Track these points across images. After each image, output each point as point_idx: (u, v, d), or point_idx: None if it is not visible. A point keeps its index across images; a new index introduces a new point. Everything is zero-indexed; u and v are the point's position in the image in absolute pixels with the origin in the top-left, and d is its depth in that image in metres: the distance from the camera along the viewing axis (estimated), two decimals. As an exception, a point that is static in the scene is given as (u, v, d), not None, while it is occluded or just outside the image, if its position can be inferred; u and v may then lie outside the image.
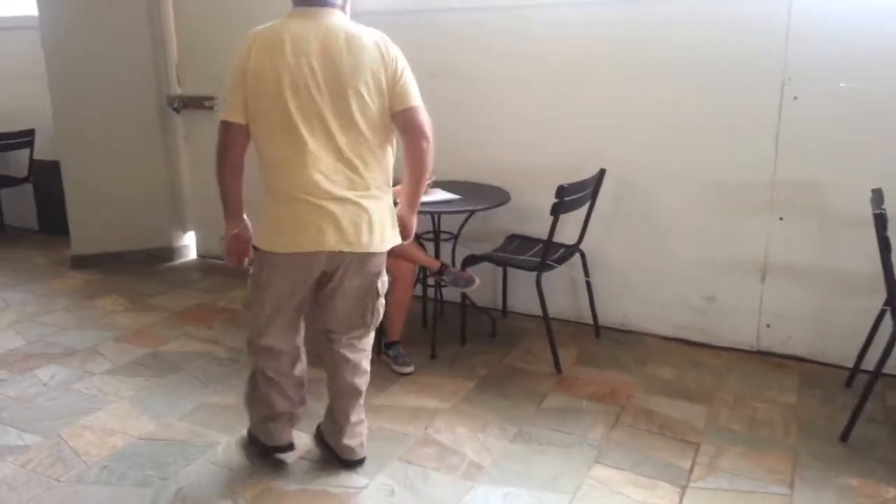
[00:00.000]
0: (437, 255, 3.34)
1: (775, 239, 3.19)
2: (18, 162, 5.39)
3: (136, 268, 4.59)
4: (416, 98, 2.17)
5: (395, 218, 2.28)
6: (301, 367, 2.41)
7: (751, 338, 3.34)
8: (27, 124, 5.22)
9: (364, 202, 2.14)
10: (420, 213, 3.16)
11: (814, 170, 3.06)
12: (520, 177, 3.61)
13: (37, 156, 5.27)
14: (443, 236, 3.43)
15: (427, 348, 3.33)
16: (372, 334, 2.42)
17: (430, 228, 3.41)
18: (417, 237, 3.50)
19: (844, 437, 2.60)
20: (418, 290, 3.48)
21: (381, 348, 3.27)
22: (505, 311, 3.81)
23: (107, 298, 4.03)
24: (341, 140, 2.09)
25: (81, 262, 4.61)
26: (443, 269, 3.15)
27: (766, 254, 3.22)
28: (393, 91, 2.14)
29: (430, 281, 3.49)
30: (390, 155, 2.25)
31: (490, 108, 3.67)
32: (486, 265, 3.38)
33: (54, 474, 2.38)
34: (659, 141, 3.33)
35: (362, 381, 2.40)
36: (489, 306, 3.84)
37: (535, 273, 3.13)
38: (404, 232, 2.33)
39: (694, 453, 2.53)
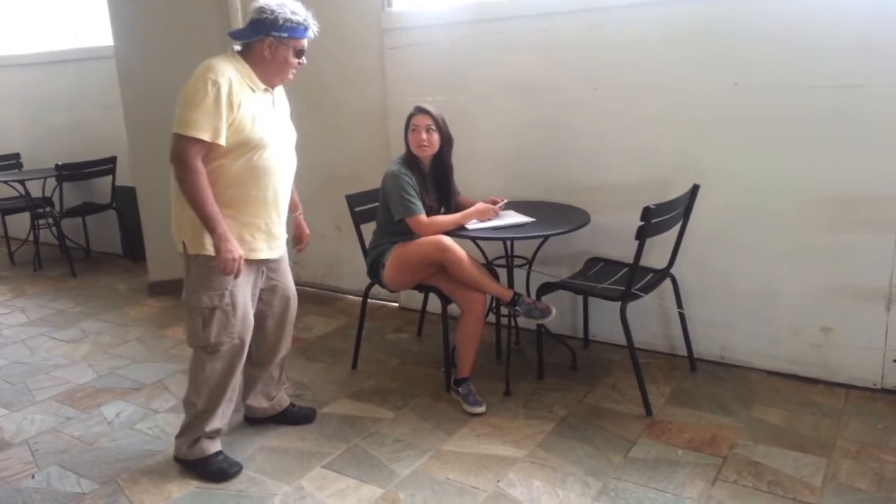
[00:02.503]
0: (510, 284, 3.08)
1: (903, 261, 2.75)
2: (102, 188, 5.52)
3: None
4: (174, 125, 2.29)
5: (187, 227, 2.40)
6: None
7: (874, 374, 2.90)
8: (109, 152, 5.33)
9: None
10: (491, 238, 2.97)
11: (951, 180, 2.62)
12: (600, 194, 3.30)
13: (119, 182, 5.37)
14: (516, 262, 3.17)
15: (500, 383, 3.08)
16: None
17: (503, 254, 3.15)
18: (489, 264, 3.26)
19: None
20: (491, 317, 3.23)
21: (449, 384, 3.05)
22: (586, 341, 3.50)
23: (178, 327, 3.99)
24: None
25: (158, 289, 4.63)
26: (516, 299, 2.89)
27: (892, 279, 2.78)
28: None
29: (504, 310, 3.24)
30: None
31: (565, 122, 3.37)
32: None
33: (108, 527, 2.28)
34: (762, 151, 2.94)
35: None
36: (568, 335, 3.55)
37: (618, 302, 2.82)
38: None
39: (812, 520, 2.17)
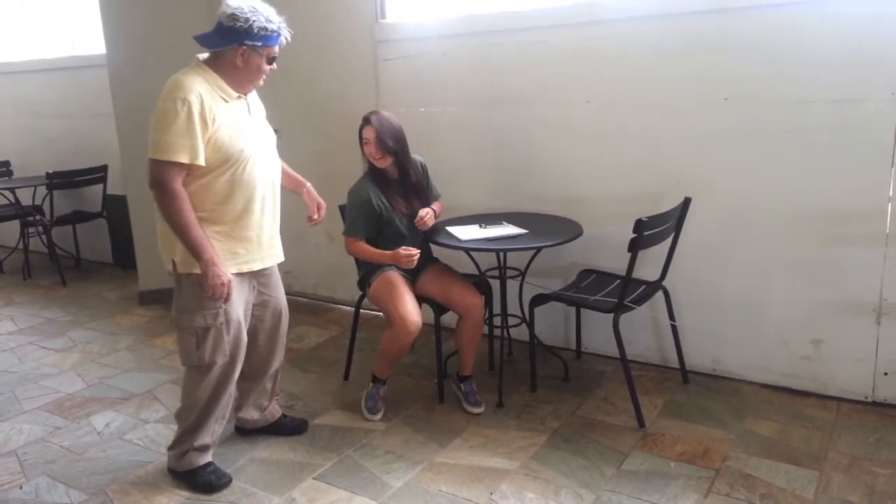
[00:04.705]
0: (503, 296, 3.09)
1: (892, 275, 2.77)
2: (93, 197, 5.49)
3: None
4: (150, 150, 2.23)
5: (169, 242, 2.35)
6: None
7: (865, 387, 2.92)
8: (101, 160, 5.31)
9: None
10: (484, 250, 2.97)
11: (939, 194, 2.65)
12: (593, 206, 3.31)
13: (109, 191, 5.34)
14: (509, 273, 3.17)
15: (493, 395, 3.07)
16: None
17: (496, 265, 3.15)
18: (482, 275, 3.26)
19: None
20: (483, 328, 3.23)
21: (442, 396, 3.05)
22: (579, 353, 3.50)
23: (168, 337, 3.97)
24: None
25: (148, 298, 4.60)
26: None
27: (882, 292, 2.80)
28: None
29: (497, 321, 3.25)
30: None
31: (558, 134, 3.39)
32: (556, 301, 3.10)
33: (96, 539, 2.26)
34: (753, 165, 2.97)
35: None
36: (561, 346, 3.55)
37: (611, 314, 2.83)
38: None
39: (805, 533, 2.17)
